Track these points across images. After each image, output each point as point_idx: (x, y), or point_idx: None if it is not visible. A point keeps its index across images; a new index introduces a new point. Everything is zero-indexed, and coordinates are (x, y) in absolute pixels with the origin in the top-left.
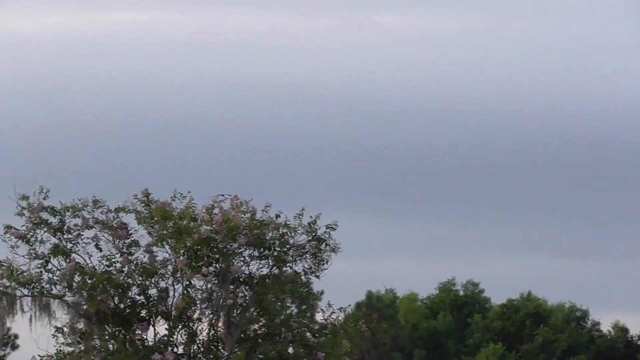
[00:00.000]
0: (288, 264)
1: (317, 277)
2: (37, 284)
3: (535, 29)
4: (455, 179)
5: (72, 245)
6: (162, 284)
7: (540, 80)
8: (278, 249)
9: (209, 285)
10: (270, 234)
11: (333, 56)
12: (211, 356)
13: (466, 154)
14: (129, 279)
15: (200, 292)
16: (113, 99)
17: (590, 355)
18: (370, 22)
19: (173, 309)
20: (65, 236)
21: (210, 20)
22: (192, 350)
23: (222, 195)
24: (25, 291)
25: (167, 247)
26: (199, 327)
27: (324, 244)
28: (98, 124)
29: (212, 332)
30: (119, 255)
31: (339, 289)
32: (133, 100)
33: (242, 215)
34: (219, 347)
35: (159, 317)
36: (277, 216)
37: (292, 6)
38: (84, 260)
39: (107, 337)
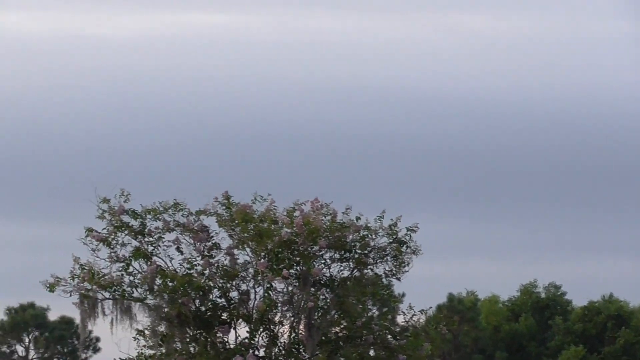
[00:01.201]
0: (369, 267)
1: (398, 279)
2: (119, 287)
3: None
4: (537, 179)
5: (153, 248)
6: (243, 287)
7: (623, 80)
8: (359, 251)
9: (290, 288)
10: (351, 237)
11: (418, 58)
12: (292, 359)
13: (548, 155)
14: (210, 282)
15: (281, 294)
16: (193, 101)
17: None
18: (458, 23)
19: (254, 311)
20: (146, 239)
21: (293, 22)
22: (273, 353)
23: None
24: (107, 294)
25: (248, 249)
26: (280, 330)
27: (404, 246)
28: (178, 126)
29: (293, 334)
30: (200, 258)
31: (420, 291)
32: (214, 102)
33: (323, 218)
34: (300, 350)
35: (240, 319)
36: (358, 218)
37: (379, 8)
38: (165, 263)
39: (188, 339)
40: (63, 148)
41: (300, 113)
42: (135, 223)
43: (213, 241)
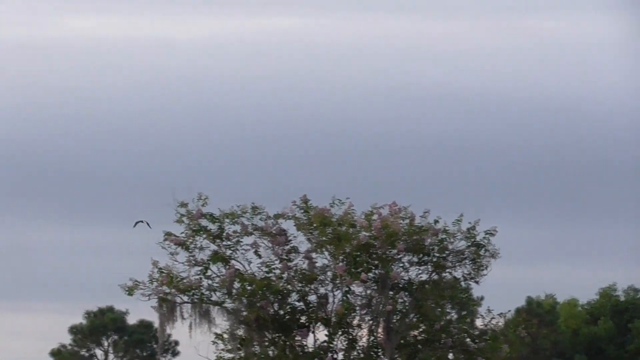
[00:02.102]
0: (447, 270)
1: (477, 282)
2: (197, 290)
3: None
4: (620, 183)
5: (231, 251)
6: (322, 290)
7: None
8: (437, 254)
9: (369, 292)
10: (429, 240)
11: (490, 60)
12: None
13: (626, 155)
14: (289, 285)
15: (359, 298)
16: (270, 104)
17: None
18: (528, 25)
19: (333, 315)
20: (224, 243)
21: (363, 25)
22: (351, 357)
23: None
24: (185, 298)
25: (326, 253)
26: (359, 333)
27: (483, 249)
28: (256, 129)
29: (372, 338)
30: (278, 261)
31: (499, 294)
32: (291, 105)
33: (401, 221)
34: (379, 354)
35: (319, 323)
36: (436, 222)
37: (443, 10)
38: (244, 266)
39: (267, 343)
40: (142, 152)
41: (376, 116)
42: (213, 227)
43: (291, 245)
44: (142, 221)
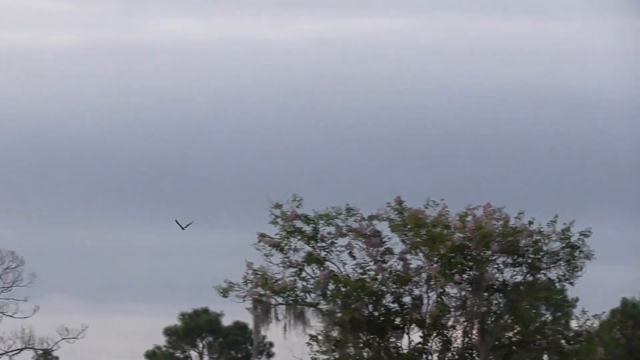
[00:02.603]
0: (542, 271)
1: (571, 284)
2: (292, 292)
3: None
4: None
5: (325, 253)
6: (416, 292)
7: None
8: (532, 256)
9: (463, 293)
10: (523, 241)
11: (588, 58)
12: None
13: None
14: (383, 287)
15: (454, 299)
16: (365, 106)
17: None
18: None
19: (427, 316)
20: (318, 244)
21: (463, 26)
22: (446, 358)
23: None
24: (280, 299)
25: (420, 254)
26: (453, 335)
27: (577, 250)
28: (350, 129)
29: (466, 339)
30: (372, 263)
31: (594, 295)
32: (385, 105)
33: (495, 223)
34: (473, 355)
35: (413, 324)
36: (530, 223)
37: (545, 11)
38: (338, 268)
39: (361, 345)
40: (236, 153)
41: (473, 116)
42: (307, 228)
43: (386, 246)
44: (182, 225)
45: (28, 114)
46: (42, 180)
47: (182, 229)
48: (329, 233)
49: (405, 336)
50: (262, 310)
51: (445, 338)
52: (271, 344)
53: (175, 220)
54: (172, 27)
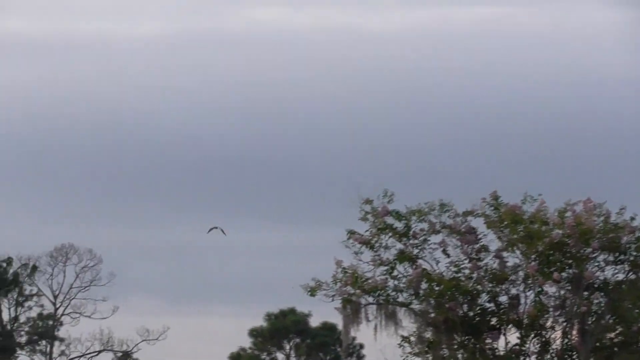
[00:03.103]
0: None
1: None
2: (383, 291)
3: None
4: None
5: (418, 250)
6: (513, 291)
7: None
8: (634, 253)
9: (562, 292)
10: (625, 238)
11: None
12: None
13: None
14: (479, 286)
15: (552, 299)
16: (460, 95)
17: None
18: None
19: (525, 316)
20: (411, 241)
21: (560, 13)
22: None
23: (216, 228)
24: (370, 299)
25: (517, 252)
26: (552, 336)
27: None
28: (443, 122)
29: (566, 341)
30: (467, 260)
31: None
32: (482, 96)
33: (596, 219)
34: (573, 357)
35: (510, 325)
36: (632, 219)
37: None
38: (431, 266)
39: (455, 346)
40: (324, 146)
41: (571, 108)
42: (399, 225)
43: (481, 243)
44: (216, 227)
45: (109, 108)
46: (124, 177)
47: (224, 234)
48: (422, 230)
49: (502, 337)
50: (352, 310)
51: (543, 339)
52: (361, 346)
53: (217, 227)
54: (263, 17)
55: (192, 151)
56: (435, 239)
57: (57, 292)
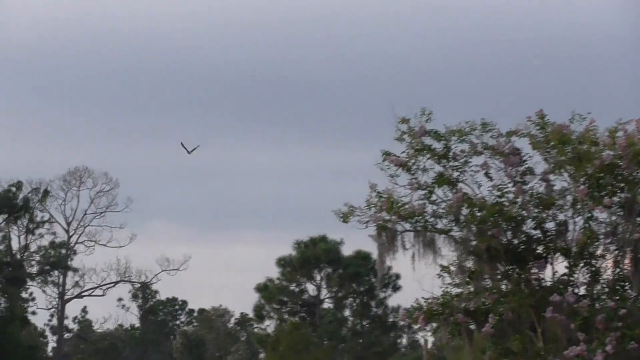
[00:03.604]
0: None
1: None
2: (420, 217)
3: None
4: None
5: (458, 173)
6: (561, 217)
7: None
8: None
9: (613, 218)
10: None
11: None
12: (617, 297)
13: None
14: (523, 211)
15: (603, 225)
16: (504, 6)
17: None
18: None
19: (573, 244)
20: (450, 163)
21: None
22: (594, 291)
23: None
24: (407, 225)
25: (565, 174)
26: (603, 265)
27: None
28: (484, 40)
29: (617, 270)
30: (511, 184)
31: None
32: (528, 8)
33: None
34: (626, 287)
35: (557, 253)
36: None
37: None
38: (472, 190)
39: (499, 276)
40: (358, 64)
41: (622, 28)
42: (438, 145)
43: (526, 165)
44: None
45: (140, 27)
46: (143, 94)
47: (188, 152)
48: (462, 151)
49: (549, 266)
50: (387, 238)
51: (593, 269)
52: (397, 276)
53: (181, 143)
54: None
55: (222, 72)
56: (476, 160)
57: (70, 219)
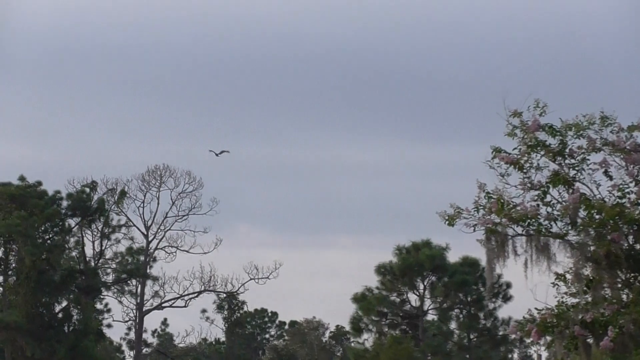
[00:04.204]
0: None
1: None
2: (533, 220)
3: None
4: None
5: (575, 172)
6: None
7: None
8: None
9: None
10: None
11: None
12: None
13: None
14: None
15: None
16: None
17: None
18: None
19: None
20: (566, 161)
21: None
22: None
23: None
24: (519, 229)
25: None
26: None
27: None
28: (603, 28)
29: None
30: (633, 183)
31: None
32: None
33: None
34: None
35: None
36: None
37: None
38: (590, 190)
39: (619, 285)
40: (466, 51)
41: None
42: (553, 141)
43: None
44: (227, 151)
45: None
46: (228, 89)
47: (217, 155)
48: (580, 147)
49: None
50: (497, 243)
51: None
52: (508, 285)
53: (210, 150)
54: None
55: (315, 63)
56: (595, 158)
57: (149, 223)
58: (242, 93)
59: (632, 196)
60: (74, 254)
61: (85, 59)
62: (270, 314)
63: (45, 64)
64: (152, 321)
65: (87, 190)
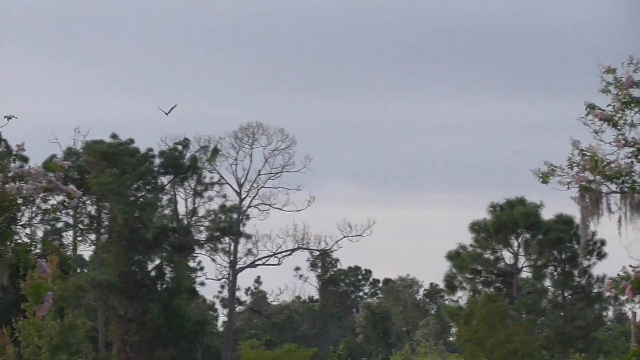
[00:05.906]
0: None
1: None
2: (628, 177)
3: None
4: None
5: None
6: None
7: None
8: None
9: None
10: None
11: None
12: None
13: None
14: None
15: None
16: None
17: None
18: None
19: None
20: None
21: None
22: None
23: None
24: (613, 187)
25: None
26: None
27: None
28: None
29: None
30: None
31: None
32: None
33: None
34: None
35: None
36: None
37: None
38: None
39: None
40: (557, 5)
41: None
42: None
43: None
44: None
45: None
46: (321, 47)
47: (166, 114)
48: None
49: None
50: (591, 200)
51: None
52: (602, 242)
53: (159, 108)
54: None
55: (405, 20)
56: None
57: (242, 180)
58: (336, 52)
59: None
60: (166, 211)
61: (179, 16)
62: (363, 272)
63: (140, 25)
64: (245, 279)
65: (180, 147)
